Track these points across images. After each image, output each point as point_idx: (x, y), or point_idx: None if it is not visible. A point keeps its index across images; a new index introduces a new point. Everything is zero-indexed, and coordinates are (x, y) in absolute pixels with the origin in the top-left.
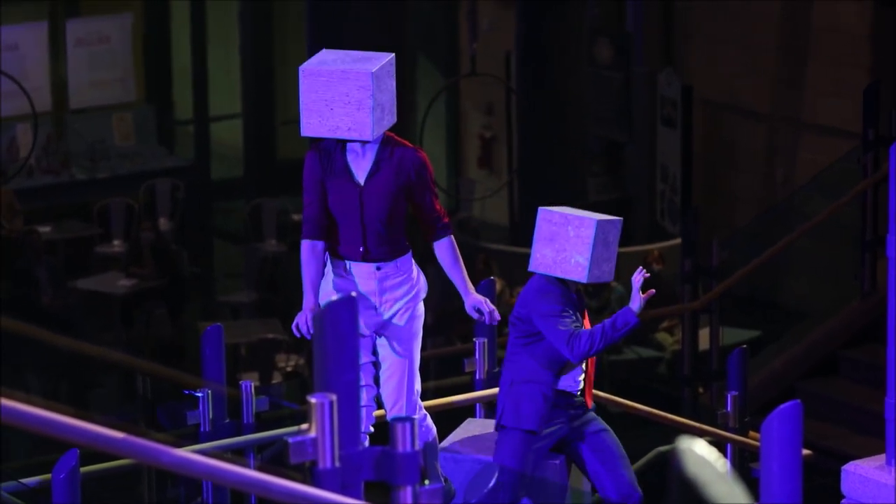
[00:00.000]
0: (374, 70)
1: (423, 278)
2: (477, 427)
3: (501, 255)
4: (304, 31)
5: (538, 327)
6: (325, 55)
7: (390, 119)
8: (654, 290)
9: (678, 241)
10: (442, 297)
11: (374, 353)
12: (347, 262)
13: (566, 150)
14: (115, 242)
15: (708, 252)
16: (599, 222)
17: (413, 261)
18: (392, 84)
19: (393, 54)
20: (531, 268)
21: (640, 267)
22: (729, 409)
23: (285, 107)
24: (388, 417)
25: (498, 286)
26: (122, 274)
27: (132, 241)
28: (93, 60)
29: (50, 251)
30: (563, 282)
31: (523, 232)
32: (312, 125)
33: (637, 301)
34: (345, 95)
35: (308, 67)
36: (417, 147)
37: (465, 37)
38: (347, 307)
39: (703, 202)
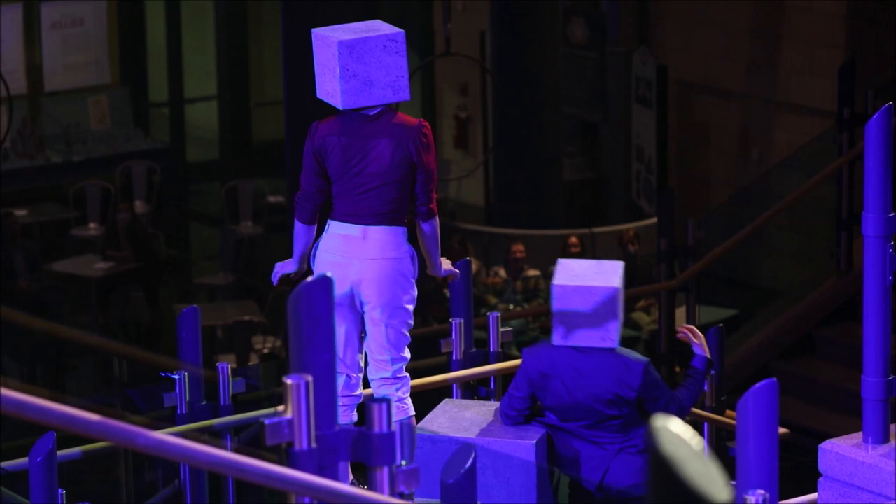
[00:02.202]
0: (343, 38)
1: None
2: (454, 407)
3: (477, 235)
4: (279, 12)
5: (649, 409)
6: (349, 25)
7: (385, 94)
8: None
9: (654, 220)
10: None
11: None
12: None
13: (541, 130)
14: (91, 225)
15: (684, 232)
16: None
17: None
18: (391, 60)
19: (400, 31)
20: (603, 346)
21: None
22: (705, 387)
23: (260, 89)
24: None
25: (474, 267)
26: (99, 257)
27: (108, 224)
28: (67, 43)
29: (26, 234)
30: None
31: (499, 212)
32: (320, 87)
33: (698, 347)
34: (328, 61)
35: (315, 30)
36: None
37: (440, 17)
38: (322, 287)
39: (679, 182)
